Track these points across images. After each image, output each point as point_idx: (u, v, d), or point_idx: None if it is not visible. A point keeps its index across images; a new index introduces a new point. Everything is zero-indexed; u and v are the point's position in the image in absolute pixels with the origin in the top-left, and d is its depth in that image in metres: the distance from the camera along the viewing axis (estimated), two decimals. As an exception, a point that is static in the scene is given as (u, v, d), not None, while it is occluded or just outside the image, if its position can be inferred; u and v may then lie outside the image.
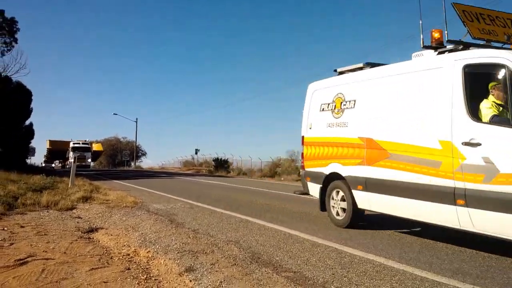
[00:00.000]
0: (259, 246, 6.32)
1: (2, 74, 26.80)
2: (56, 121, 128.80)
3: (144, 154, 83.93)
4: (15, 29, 31.69)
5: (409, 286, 4.46)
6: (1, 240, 6.61)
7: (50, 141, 68.17)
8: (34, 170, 24.55)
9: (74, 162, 17.49)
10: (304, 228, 7.70)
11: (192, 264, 5.33)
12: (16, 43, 31.64)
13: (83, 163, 57.94)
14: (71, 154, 58.49)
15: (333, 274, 4.87)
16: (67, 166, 61.21)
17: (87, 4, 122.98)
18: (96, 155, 71.36)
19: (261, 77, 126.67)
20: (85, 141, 66.25)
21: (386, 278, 4.73)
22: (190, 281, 4.79)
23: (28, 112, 28.29)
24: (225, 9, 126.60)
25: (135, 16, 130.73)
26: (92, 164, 68.06)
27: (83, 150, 61.35)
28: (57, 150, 66.23)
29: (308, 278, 4.75)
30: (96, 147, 69.82)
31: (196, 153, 55.50)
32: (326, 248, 6.15)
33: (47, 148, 69.19)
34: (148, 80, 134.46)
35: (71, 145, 61.92)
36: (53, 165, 71.55)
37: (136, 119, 66.70)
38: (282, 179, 30.07)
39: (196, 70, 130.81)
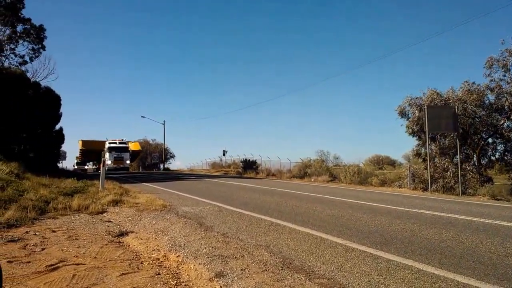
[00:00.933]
0: (290, 250, 6.20)
1: (32, 79, 27.35)
2: (83, 124, 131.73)
3: (172, 156, 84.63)
4: (42, 36, 32.73)
5: (451, 293, 4.27)
6: (33, 245, 6.70)
7: (82, 141, 63.38)
8: (66, 174, 24.94)
9: (103, 165, 17.44)
10: (337, 232, 7.54)
11: (222, 270, 5.28)
12: (44, 49, 32.99)
13: (121, 165, 55.64)
14: (107, 155, 53.62)
15: (369, 281, 4.72)
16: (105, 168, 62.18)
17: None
18: (134, 156, 66.93)
19: (288, 76, 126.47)
20: (122, 140, 61.72)
21: (426, 285, 4.56)
22: (221, 287, 4.75)
23: (57, 117, 28.77)
24: (252, 9, 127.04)
25: (164, 18, 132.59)
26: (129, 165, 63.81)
27: (120, 150, 57.83)
28: (91, 150, 60.96)
29: (343, 285, 4.61)
30: (133, 146, 65.24)
31: (224, 154, 55.95)
32: (360, 253, 5.98)
33: (80, 149, 64.59)
34: (175, 82, 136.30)
35: (107, 145, 58.01)
36: (86, 167, 68.21)
37: (164, 121, 65.98)
38: (312, 180, 29.84)
39: (222, 71, 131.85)
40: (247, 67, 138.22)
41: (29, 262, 5.69)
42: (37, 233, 7.62)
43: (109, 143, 58.66)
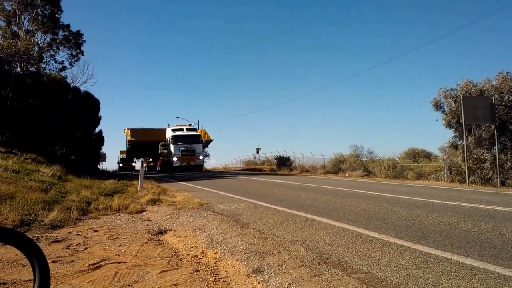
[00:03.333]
0: (327, 246, 6.13)
1: (71, 84, 28.17)
2: (116, 126, 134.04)
3: (207, 155, 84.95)
4: (80, 41, 33.35)
5: (491, 285, 4.15)
6: (76, 245, 6.87)
7: (131, 130, 46.05)
8: (106, 175, 25.46)
9: (142, 166, 17.45)
10: (373, 226, 7.42)
11: (260, 265, 5.27)
12: (83, 55, 33.47)
13: (191, 162, 38.71)
14: (171, 147, 38.70)
15: (407, 274, 4.61)
16: (161, 168, 43.38)
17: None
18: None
19: (319, 72, 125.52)
20: (191, 125, 45.47)
21: (466, 277, 4.43)
22: (259, 282, 4.74)
23: (97, 120, 29.49)
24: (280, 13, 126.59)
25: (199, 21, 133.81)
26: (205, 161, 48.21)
27: (190, 140, 39.21)
28: (143, 143, 44.76)
29: (381, 279, 4.51)
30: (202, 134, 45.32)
31: (257, 152, 55.48)
32: (398, 247, 5.85)
33: (128, 141, 46.78)
34: (210, 82, 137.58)
35: (170, 133, 40.61)
36: (134, 163, 56.41)
37: (198, 121, 64.50)
38: (346, 175, 29.53)
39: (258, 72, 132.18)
40: (279, 69, 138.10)
41: (73, 261, 5.84)
42: (79, 233, 7.82)
43: (173, 130, 41.05)
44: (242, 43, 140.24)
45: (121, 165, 58.87)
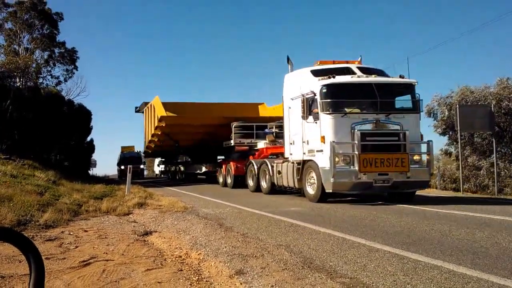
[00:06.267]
0: (311, 251, 5.93)
1: (66, 97, 29.03)
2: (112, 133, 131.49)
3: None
4: (75, 57, 35.43)
5: (485, 294, 3.97)
6: (68, 243, 6.94)
7: (165, 105, 23.89)
8: (96, 180, 25.73)
9: (130, 171, 17.20)
10: (359, 233, 7.16)
11: (242, 267, 5.21)
12: (77, 70, 35.46)
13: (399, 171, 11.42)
14: (321, 125, 11.24)
15: (394, 281, 4.40)
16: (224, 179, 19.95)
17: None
18: None
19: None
20: (360, 61, 13.46)
21: (457, 285, 4.19)
22: (241, 284, 4.70)
23: (89, 130, 30.08)
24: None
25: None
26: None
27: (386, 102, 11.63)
28: (180, 131, 23.91)
29: (366, 284, 4.32)
30: None
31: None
32: (385, 254, 5.59)
33: (156, 127, 24.57)
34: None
35: (312, 81, 11.69)
36: (156, 169, 44.98)
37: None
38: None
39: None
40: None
41: (64, 258, 5.92)
42: (71, 233, 7.88)
43: (317, 72, 12.15)
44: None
45: (122, 167, 36.58)
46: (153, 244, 7.28)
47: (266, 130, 18.50)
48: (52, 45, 33.44)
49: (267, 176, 15.18)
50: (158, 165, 46.25)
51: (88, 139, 30.71)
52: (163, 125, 23.05)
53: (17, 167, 16.20)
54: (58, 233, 7.78)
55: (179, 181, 30.16)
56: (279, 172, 13.99)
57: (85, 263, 5.66)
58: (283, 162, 13.90)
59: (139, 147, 40.56)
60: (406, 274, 4.60)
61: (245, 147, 19.97)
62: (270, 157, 16.46)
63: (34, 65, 29.98)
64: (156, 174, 49.65)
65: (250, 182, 17.16)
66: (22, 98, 22.11)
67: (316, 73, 12.13)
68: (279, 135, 16.71)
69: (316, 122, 11.47)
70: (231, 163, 19.63)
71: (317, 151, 11.48)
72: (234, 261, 5.57)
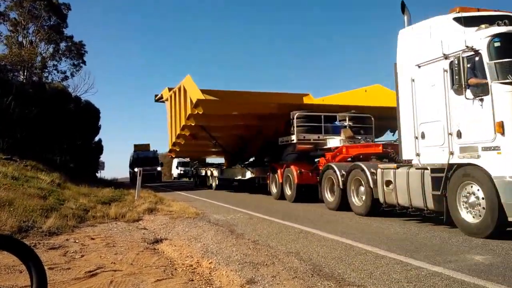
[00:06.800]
0: (320, 258, 6.04)
1: (73, 94, 28.25)
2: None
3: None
4: (83, 51, 33.58)
5: (482, 300, 4.03)
6: (73, 252, 6.76)
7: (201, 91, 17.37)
8: (104, 183, 25.22)
9: (140, 175, 16.97)
10: (366, 240, 7.29)
11: (253, 276, 5.17)
12: (84, 64, 33.54)
13: None
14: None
15: None
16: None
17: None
18: None
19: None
20: None
21: None
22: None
23: (97, 129, 29.40)
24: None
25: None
26: None
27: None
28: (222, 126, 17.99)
29: None
30: None
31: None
32: (390, 261, 5.76)
33: (189, 116, 17.26)
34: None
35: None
36: (175, 171, 41.75)
37: None
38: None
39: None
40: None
41: (69, 268, 5.74)
42: (76, 241, 7.69)
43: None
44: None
45: (135, 170, 31.39)
46: (163, 252, 7.16)
47: (337, 123, 14.76)
48: (58, 38, 31.81)
49: (365, 189, 10.62)
50: (177, 167, 41.40)
51: (96, 139, 30.05)
52: (200, 112, 16.07)
53: (19, 169, 15.78)
54: (63, 241, 7.57)
55: (209, 188, 24.30)
56: (389, 183, 9.51)
57: (91, 273, 5.49)
58: (397, 168, 9.45)
59: (156, 145, 36.00)
60: (409, 281, 4.77)
61: (309, 145, 15.11)
62: (348, 160, 12.62)
63: (39, 59, 28.70)
64: (174, 178, 45.00)
65: (328, 196, 12.33)
66: (26, 93, 21.22)
67: (466, 21, 7.85)
68: (354, 131, 13.78)
69: (481, 99, 7.23)
70: (292, 167, 14.72)
71: (485, 148, 7.19)
72: (245, 269, 5.51)
